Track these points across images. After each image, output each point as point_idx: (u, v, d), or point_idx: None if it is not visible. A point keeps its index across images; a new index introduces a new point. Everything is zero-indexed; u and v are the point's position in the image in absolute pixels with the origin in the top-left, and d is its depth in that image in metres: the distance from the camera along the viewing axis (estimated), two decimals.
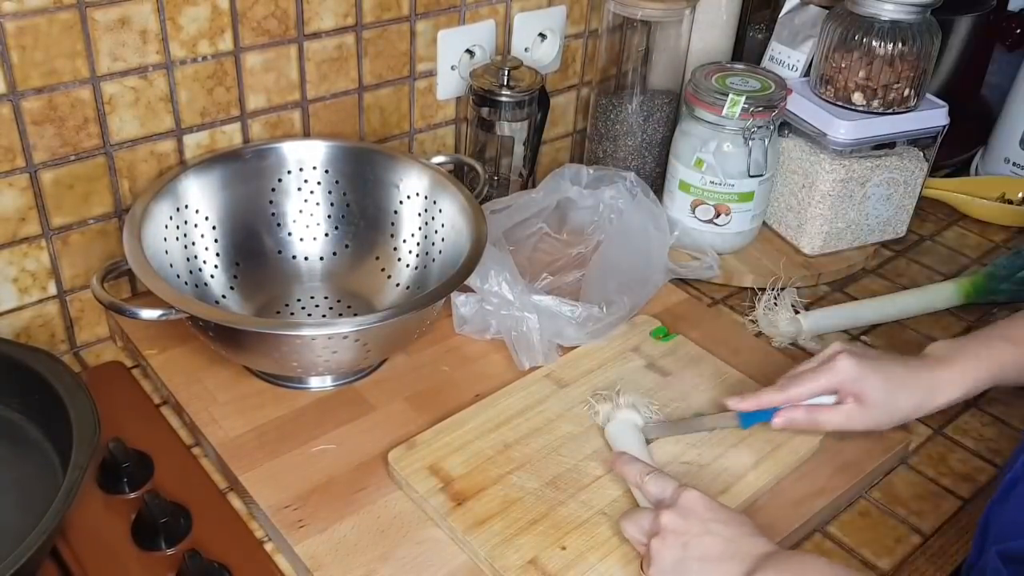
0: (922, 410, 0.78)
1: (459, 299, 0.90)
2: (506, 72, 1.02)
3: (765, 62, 1.15)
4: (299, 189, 0.94)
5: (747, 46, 1.25)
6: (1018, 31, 1.44)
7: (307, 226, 0.95)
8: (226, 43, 0.88)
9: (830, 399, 0.78)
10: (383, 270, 0.94)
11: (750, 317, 0.98)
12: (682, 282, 1.05)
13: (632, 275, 0.95)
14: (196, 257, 0.88)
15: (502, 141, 1.07)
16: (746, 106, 0.98)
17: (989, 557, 0.60)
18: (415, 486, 0.74)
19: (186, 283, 0.86)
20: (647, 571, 0.66)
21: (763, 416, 0.78)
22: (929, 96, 1.05)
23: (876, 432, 0.80)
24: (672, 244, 1.05)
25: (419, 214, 0.93)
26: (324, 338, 0.74)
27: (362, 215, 0.95)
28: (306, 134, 0.99)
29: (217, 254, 0.90)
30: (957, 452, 0.86)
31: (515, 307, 0.87)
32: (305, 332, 0.74)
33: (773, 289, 0.98)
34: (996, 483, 0.82)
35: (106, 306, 0.75)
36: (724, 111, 0.98)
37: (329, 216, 0.95)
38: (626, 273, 0.95)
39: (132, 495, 0.74)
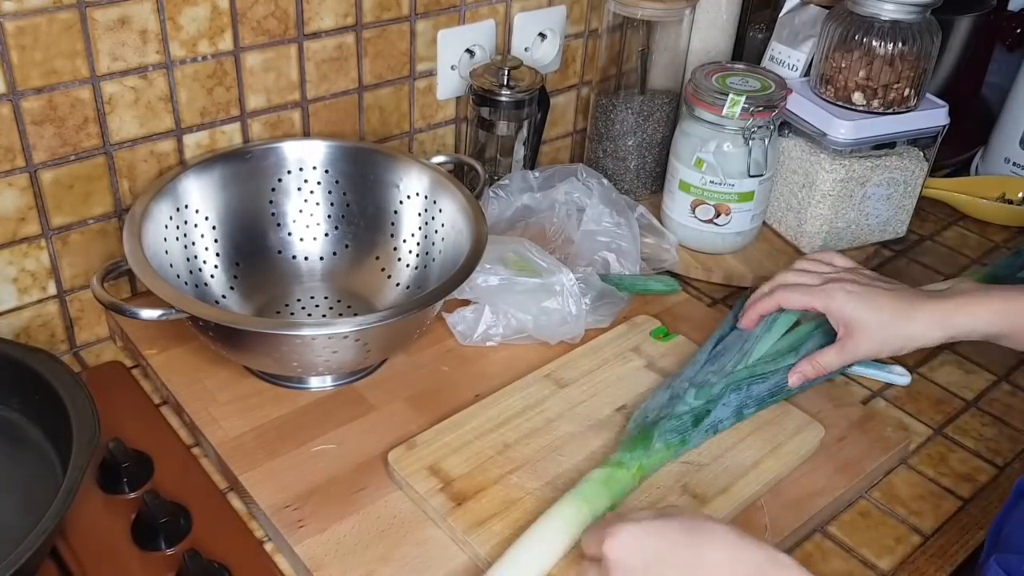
0: (912, 343, 0.78)
1: (451, 319, 0.90)
2: (506, 72, 1.02)
3: (765, 62, 1.15)
4: (299, 189, 0.94)
5: (747, 46, 1.25)
6: (1018, 31, 1.44)
7: (307, 226, 0.95)
8: (226, 43, 0.88)
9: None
10: (383, 270, 0.94)
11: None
12: (682, 282, 1.05)
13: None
14: (196, 257, 0.88)
15: (502, 141, 1.07)
16: (746, 106, 0.98)
17: (989, 563, 0.60)
18: (415, 486, 0.74)
19: (186, 283, 0.86)
20: None
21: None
22: (929, 96, 1.05)
23: (878, 435, 0.80)
24: (671, 241, 1.05)
25: (419, 214, 0.93)
26: (324, 338, 0.74)
27: (362, 215, 0.95)
28: (306, 134, 0.99)
29: (217, 254, 0.90)
30: (957, 452, 0.86)
31: (548, 272, 0.90)
32: (305, 332, 0.74)
33: None
34: (998, 482, 0.82)
35: (106, 306, 0.75)
36: (724, 111, 0.98)
37: (329, 216, 0.95)
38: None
39: (132, 495, 0.74)
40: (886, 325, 0.78)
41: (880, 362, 0.93)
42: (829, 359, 0.80)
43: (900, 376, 0.93)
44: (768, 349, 0.84)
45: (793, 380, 0.81)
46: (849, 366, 0.85)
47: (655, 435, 0.75)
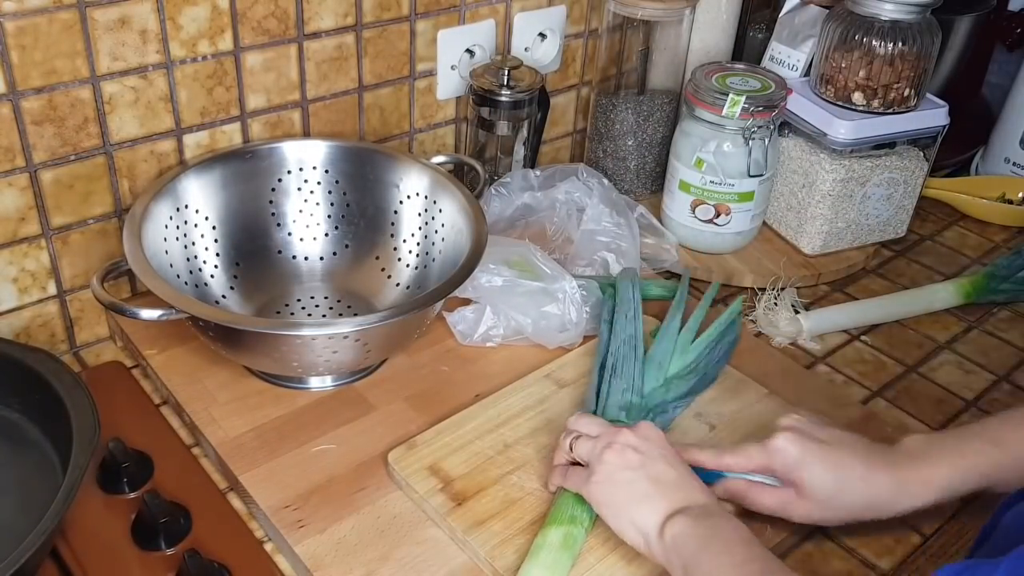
0: (878, 512, 0.68)
1: (452, 318, 0.90)
2: (506, 72, 1.02)
3: (765, 62, 1.15)
4: (299, 189, 0.94)
5: (747, 46, 1.25)
6: (1018, 31, 1.44)
7: (307, 226, 0.95)
8: (226, 43, 0.88)
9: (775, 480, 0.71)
10: (383, 270, 0.94)
11: (750, 317, 0.98)
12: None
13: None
14: (196, 257, 0.88)
15: (502, 141, 1.07)
16: (746, 106, 0.98)
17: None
18: (415, 486, 0.74)
19: (186, 283, 0.86)
20: (584, 483, 0.68)
21: (707, 476, 0.71)
22: (929, 96, 1.05)
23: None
24: (671, 241, 1.05)
25: (419, 214, 0.93)
26: (324, 338, 0.74)
27: (362, 215, 0.95)
28: (306, 134, 0.99)
29: (217, 254, 0.90)
30: None
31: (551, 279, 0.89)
32: (305, 332, 0.74)
33: (773, 289, 0.98)
34: None
35: (106, 306, 0.75)
36: (724, 111, 0.98)
37: (329, 216, 0.95)
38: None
39: (132, 495, 0.74)
40: (839, 492, 0.68)
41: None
42: (767, 503, 0.70)
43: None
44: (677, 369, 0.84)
45: (719, 493, 0.71)
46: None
47: None
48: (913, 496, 0.68)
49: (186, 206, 0.88)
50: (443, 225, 0.90)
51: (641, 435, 0.68)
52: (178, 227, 0.87)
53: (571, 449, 0.71)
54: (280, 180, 0.94)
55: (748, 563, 0.60)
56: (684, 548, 0.61)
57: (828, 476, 0.68)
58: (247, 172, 0.92)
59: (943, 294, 1.02)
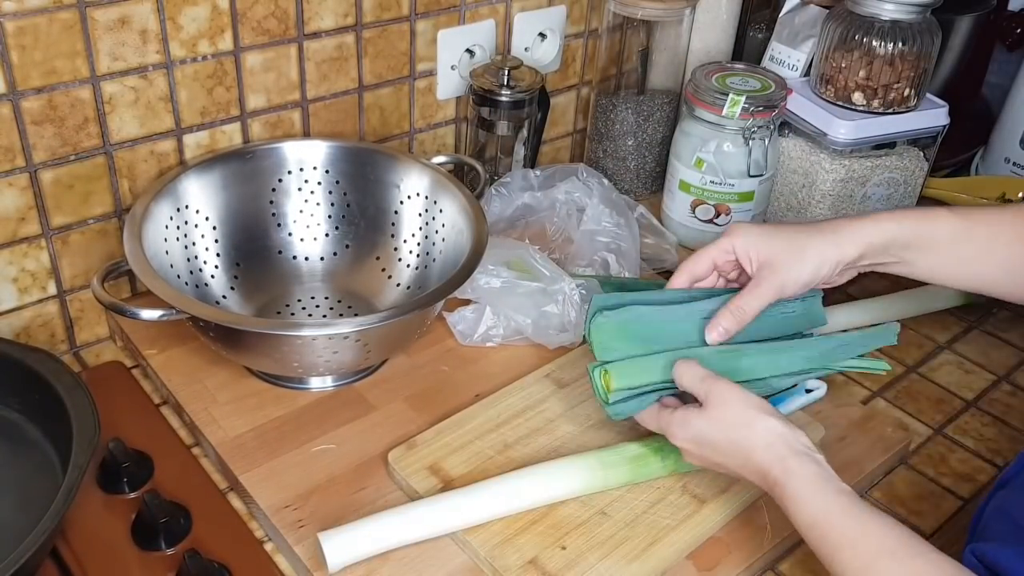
0: (829, 261, 0.73)
1: (452, 318, 0.90)
2: (506, 72, 1.02)
3: (765, 62, 1.15)
4: (299, 189, 0.94)
5: (747, 46, 1.25)
6: (1018, 31, 1.44)
7: (307, 226, 0.95)
8: (226, 43, 0.88)
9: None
10: (383, 270, 0.94)
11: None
12: None
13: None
14: (196, 257, 0.88)
15: (502, 141, 1.07)
16: (746, 106, 0.98)
17: (965, 553, 0.61)
18: (415, 486, 0.74)
19: (186, 283, 0.86)
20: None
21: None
22: (929, 96, 1.05)
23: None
24: (671, 241, 1.05)
25: (419, 214, 0.93)
26: (325, 338, 0.74)
27: (362, 215, 0.95)
28: (306, 134, 0.99)
29: (217, 254, 0.90)
30: (957, 452, 0.86)
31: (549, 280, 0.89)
32: (306, 332, 0.74)
33: None
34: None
35: (106, 306, 0.75)
36: (724, 111, 0.98)
37: (329, 216, 0.95)
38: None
39: (132, 495, 0.74)
40: (801, 248, 0.73)
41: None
42: (747, 300, 0.73)
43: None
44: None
45: (713, 336, 0.74)
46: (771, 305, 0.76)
47: None
48: (852, 243, 0.73)
49: (186, 206, 0.88)
50: (443, 225, 0.90)
51: (681, 434, 0.69)
52: (178, 227, 0.87)
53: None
54: (280, 180, 0.94)
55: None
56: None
57: (784, 244, 0.73)
58: (247, 172, 0.92)
59: (943, 294, 1.02)
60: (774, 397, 0.77)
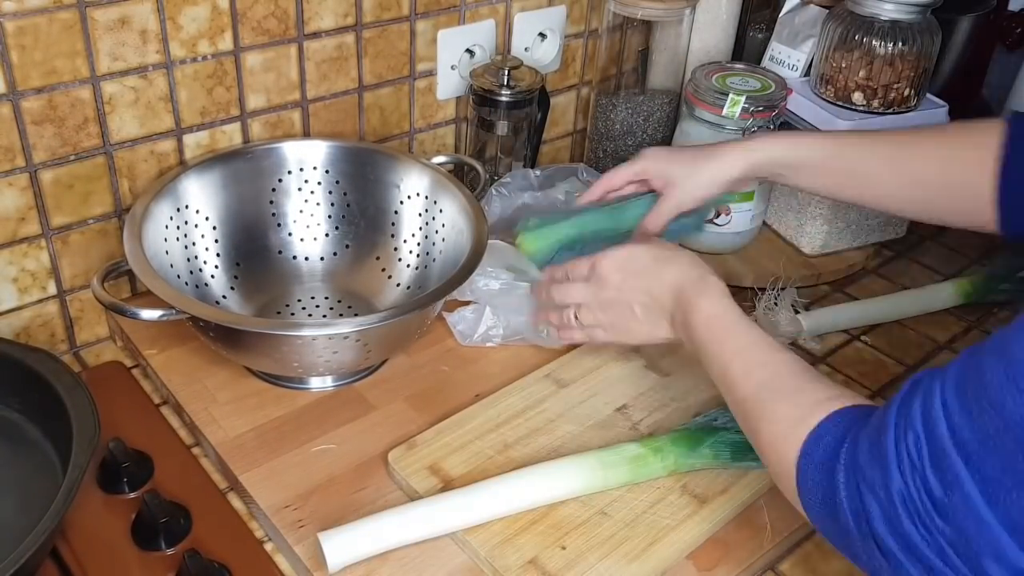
0: (718, 178, 0.82)
1: (452, 319, 0.90)
2: (506, 72, 1.02)
3: (765, 62, 1.15)
4: (299, 189, 0.94)
5: (747, 46, 1.25)
6: (1018, 31, 1.43)
7: (307, 226, 0.95)
8: (226, 43, 0.88)
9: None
10: (383, 270, 0.94)
11: (750, 317, 0.98)
12: None
13: None
14: (196, 257, 0.88)
15: (502, 141, 1.07)
16: (746, 106, 0.98)
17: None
18: (415, 486, 0.74)
19: (186, 283, 0.86)
20: (590, 330, 0.79)
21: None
22: (929, 96, 1.06)
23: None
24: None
25: (419, 214, 0.93)
26: (325, 338, 0.74)
27: (362, 215, 0.95)
28: (306, 134, 0.99)
29: (217, 254, 0.90)
30: None
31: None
32: (306, 332, 0.74)
33: (773, 289, 0.98)
34: None
35: (107, 306, 0.75)
36: (724, 111, 0.98)
37: (329, 216, 0.95)
38: None
39: (132, 495, 0.74)
40: (696, 167, 0.82)
41: None
42: (651, 220, 0.83)
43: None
44: None
45: (638, 238, 0.84)
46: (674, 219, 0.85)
47: (708, 440, 0.76)
48: (755, 157, 0.81)
49: (186, 206, 0.88)
50: (443, 225, 0.90)
51: (607, 262, 0.76)
52: (178, 227, 0.87)
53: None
54: (280, 180, 0.94)
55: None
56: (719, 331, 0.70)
57: (685, 161, 0.83)
58: (247, 172, 0.92)
59: (943, 294, 1.02)
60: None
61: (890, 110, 1.02)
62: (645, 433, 0.80)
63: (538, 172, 1.06)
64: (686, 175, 0.82)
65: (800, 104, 1.04)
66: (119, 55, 0.83)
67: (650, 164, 0.84)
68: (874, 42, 0.99)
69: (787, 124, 1.05)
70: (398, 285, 0.93)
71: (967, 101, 1.38)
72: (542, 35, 1.13)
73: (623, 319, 0.77)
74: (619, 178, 0.86)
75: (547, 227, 0.84)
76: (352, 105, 1.01)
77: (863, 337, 0.99)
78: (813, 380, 0.62)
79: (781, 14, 1.15)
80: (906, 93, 1.01)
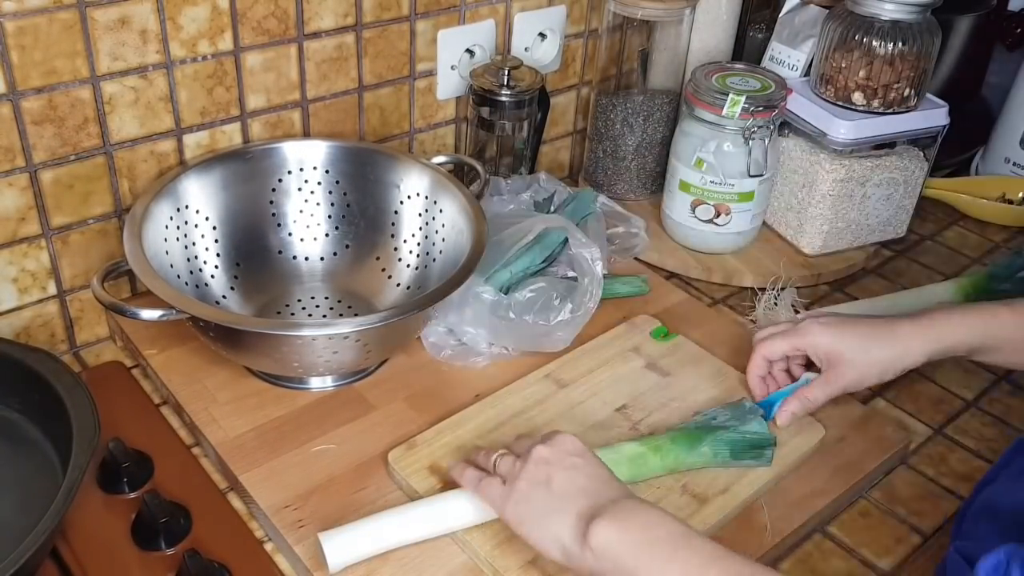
0: (896, 365, 0.79)
1: (424, 332, 0.89)
2: (506, 72, 1.02)
3: (765, 62, 1.15)
4: (299, 189, 0.94)
5: (747, 46, 1.25)
6: (1018, 31, 1.44)
7: (307, 226, 0.95)
8: (226, 43, 0.88)
9: (811, 376, 0.82)
10: (383, 270, 0.94)
11: (750, 317, 0.98)
12: (682, 282, 1.05)
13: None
14: (196, 257, 0.88)
15: (502, 141, 1.07)
16: (746, 106, 0.98)
17: (950, 551, 0.61)
18: (415, 486, 0.74)
19: (186, 283, 0.86)
20: (503, 505, 0.66)
21: (764, 405, 0.82)
22: (929, 96, 1.05)
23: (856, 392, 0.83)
24: (639, 224, 1.05)
25: (419, 214, 0.93)
26: (325, 338, 0.74)
27: (362, 215, 0.95)
28: (306, 134, 0.99)
29: (217, 254, 0.90)
30: (957, 452, 0.86)
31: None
32: (306, 332, 0.74)
33: (773, 289, 0.98)
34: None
35: (107, 306, 0.75)
36: (724, 111, 0.98)
37: (329, 216, 0.95)
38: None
39: (132, 495, 0.74)
40: (868, 350, 0.78)
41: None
42: (816, 394, 0.80)
43: None
44: None
45: (783, 419, 0.80)
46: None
47: (707, 439, 0.76)
48: (938, 342, 0.78)
49: (186, 206, 0.88)
50: (443, 225, 0.90)
51: (553, 446, 0.67)
52: (178, 227, 0.87)
53: (495, 466, 0.69)
54: (280, 180, 0.94)
55: (705, 565, 0.58)
56: (618, 555, 0.59)
57: (854, 343, 0.78)
58: (247, 172, 0.92)
59: (943, 294, 1.02)
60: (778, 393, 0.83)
61: (890, 110, 1.02)
62: (645, 433, 0.80)
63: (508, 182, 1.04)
64: (858, 354, 0.78)
65: (800, 104, 1.04)
66: (119, 55, 0.83)
67: (818, 341, 0.79)
68: (874, 42, 0.99)
69: (787, 124, 1.05)
70: (398, 285, 0.93)
71: (967, 101, 1.39)
72: (542, 35, 1.13)
73: (532, 496, 0.65)
74: (777, 352, 0.82)
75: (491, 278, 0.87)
76: (352, 105, 1.01)
77: None
78: None
79: (781, 14, 1.15)
80: (906, 93, 1.01)
